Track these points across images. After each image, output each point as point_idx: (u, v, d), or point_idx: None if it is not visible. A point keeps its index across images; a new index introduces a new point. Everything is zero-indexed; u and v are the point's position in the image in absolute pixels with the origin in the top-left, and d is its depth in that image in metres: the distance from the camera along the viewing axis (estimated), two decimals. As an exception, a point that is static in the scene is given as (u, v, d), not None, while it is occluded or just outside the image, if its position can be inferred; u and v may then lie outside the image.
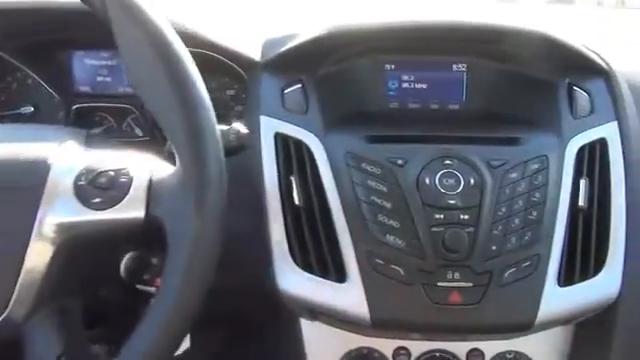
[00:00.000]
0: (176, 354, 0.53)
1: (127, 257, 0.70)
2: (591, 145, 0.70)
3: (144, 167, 0.54)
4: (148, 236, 0.51)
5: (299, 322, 0.73)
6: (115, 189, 0.52)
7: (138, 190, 0.52)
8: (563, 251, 0.66)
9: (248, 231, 0.68)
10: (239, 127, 0.62)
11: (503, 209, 0.66)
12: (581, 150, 0.70)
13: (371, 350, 0.73)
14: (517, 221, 0.65)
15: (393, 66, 0.79)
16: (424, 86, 0.79)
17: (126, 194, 0.52)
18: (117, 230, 0.51)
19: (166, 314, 0.48)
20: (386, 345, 0.73)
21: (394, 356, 0.73)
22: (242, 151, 0.62)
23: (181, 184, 0.50)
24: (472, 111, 0.78)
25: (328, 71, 0.75)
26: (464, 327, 0.65)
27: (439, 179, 0.66)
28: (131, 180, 0.52)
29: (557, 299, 0.65)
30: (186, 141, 0.49)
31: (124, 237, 0.54)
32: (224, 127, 0.60)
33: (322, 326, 0.72)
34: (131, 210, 0.52)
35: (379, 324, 0.64)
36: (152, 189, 0.52)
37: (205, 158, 0.49)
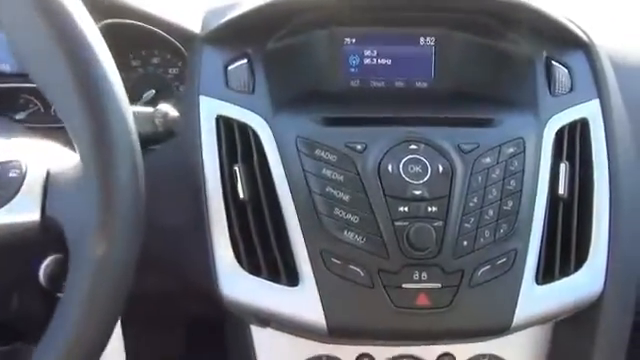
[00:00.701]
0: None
1: (47, 261, 0.61)
2: (571, 126, 0.63)
3: (40, 158, 0.44)
4: (48, 241, 0.42)
5: (249, 329, 0.65)
6: (3, 186, 0.42)
7: (32, 187, 0.43)
8: (542, 245, 0.59)
9: (187, 229, 0.60)
10: (167, 109, 0.53)
11: (475, 199, 0.58)
12: (560, 131, 0.63)
13: (330, 358, 0.65)
14: (491, 212, 0.58)
15: (354, 40, 0.70)
16: (388, 62, 0.71)
17: (17, 192, 0.42)
18: (8, 235, 0.42)
19: (58, 351, 0.39)
20: (347, 352, 0.65)
21: (356, 363, 0.66)
22: (171, 138, 0.53)
23: (84, 181, 0.41)
24: (442, 90, 0.70)
25: (278, 45, 0.66)
26: (433, 333, 0.58)
27: (403, 166, 0.58)
28: (23, 175, 0.43)
29: (535, 299, 0.58)
30: (85, 130, 0.39)
31: (19, 242, 0.44)
32: (146, 109, 0.51)
33: (274, 333, 0.64)
34: (24, 211, 0.42)
35: (337, 332, 0.57)
36: (49, 185, 0.43)
37: (111, 155, 0.39)
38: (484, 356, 0.66)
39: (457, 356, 0.65)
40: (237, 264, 0.57)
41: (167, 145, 0.62)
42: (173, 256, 0.63)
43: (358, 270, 0.56)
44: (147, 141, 0.53)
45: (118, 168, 0.39)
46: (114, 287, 0.40)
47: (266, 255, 0.58)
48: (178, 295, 0.71)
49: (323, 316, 0.56)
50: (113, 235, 0.39)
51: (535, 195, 0.59)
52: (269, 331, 0.65)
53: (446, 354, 0.65)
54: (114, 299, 0.41)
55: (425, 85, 0.71)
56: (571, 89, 0.65)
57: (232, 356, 0.72)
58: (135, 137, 0.41)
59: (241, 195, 0.58)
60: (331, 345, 0.65)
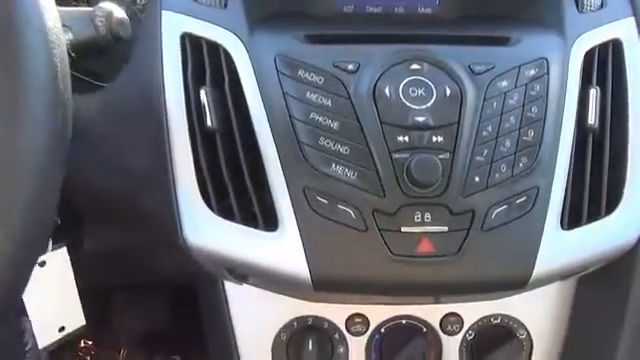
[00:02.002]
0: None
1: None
2: (602, 47, 0.54)
3: None
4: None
5: (222, 286, 0.56)
6: None
7: None
8: (568, 183, 0.50)
9: (150, 170, 0.51)
10: (110, 8, 0.43)
11: (489, 128, 0.49)
12: (589, 53, 0.53)
13: (318, 319, 0.56)
14: (508, 143, 0.49)
15: None
16: None
17: None
18: None
19: None
20: (337, 312, 0.56)
21: (348, 326, 0.57)
22: (118, 44, 0.43)
23: None
24: (448, 15, 0.60)
25: None
26: (437, 286, 0.48)
27: (403, 89, 0.49)
28: None
29: (560, 246, 0.48)
30: None
31: None
32: (82, 9, 0.41)
33: (252, 291, 0.56)
34: None
35: (323, 285, 0.47)
36: None
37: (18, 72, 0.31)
38: (496, 317, 0.57)
39: (464, 317, 0.57)
40: (205, 206, 0.48)
41: (125, 79, 0.53)
42: (137, 204, 0.54)
43: (348, 210, 0.47)
44: (88, 47, 0.43)
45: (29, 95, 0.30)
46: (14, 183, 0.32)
47: (239, 195, 0.48)
48: (145, 250, 0.62)
49: (306, 266, 0.47)
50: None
51: (560, 124, 0.50)
52: (246, 289, 0.56)
53: (452, 314, 0.57)
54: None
55: (429, 11, 0.61)
56: (601, 5, 0.56)
57: (206, 320, 0.63)
58: (60, 44, 0.32)
59: (209, 123, 0.48)
60: (318, 304, 0.56)
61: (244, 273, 0.50)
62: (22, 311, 0.57)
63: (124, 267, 0.69)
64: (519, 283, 0.49)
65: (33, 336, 0.56)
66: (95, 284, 0.70)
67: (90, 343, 1.54)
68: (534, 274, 0.48)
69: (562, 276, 0.52)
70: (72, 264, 0.60)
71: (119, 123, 0.54)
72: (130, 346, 1.53)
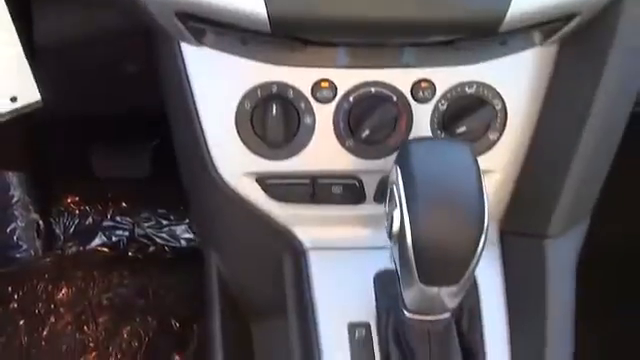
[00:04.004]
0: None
1: None
2: None
3: None
4: None
5: (178, 47, 0.53)
6: None
7: None
8: None
9: None
10: None
11: None
12: None
13: (283, 86, 0.53)
14: None
15: None
16: None
17: None
18: None
19: None
20: (303, 78, 0.53)
21: (314, 92, 0.54)
22: None
23: None
24: None
25: None
26: (403, 24, 0.45)
27: None
28: None
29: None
30: None
31: None
32: None
33: (212, 57, 0.52)
34: None
35: (281, 23, 0.44)
36: None
37: None
38: (470, 85, 0.54)
39: (437, 84, 0.54)
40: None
41: None
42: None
43: None
44: None
45: None
46: None
47: None
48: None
49: (262, 1, 0.43)
50: None
51: None
52: (205, 55, 0.52)
53: (423, 80, 0.54)
54: None
55: None
56: None
57: (165, 88, 0.59)
58: None
59: None
60: (282, 70, 0.53)
61: (198, 14, 0.46)
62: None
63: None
64: (493, 23, 0.45)
65: None
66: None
67: (77, 199, 1.56)
68: (509, 13, 0.45)
69: (539, 21, 0.48)
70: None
71: None
72: (116, 202, 1.55)
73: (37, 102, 0.55)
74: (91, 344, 1.26)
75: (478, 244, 0.40)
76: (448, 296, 0.43)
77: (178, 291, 1.39)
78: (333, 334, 0.53)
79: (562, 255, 0.54)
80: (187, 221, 1.56)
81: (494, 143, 0.55)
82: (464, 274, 0.42)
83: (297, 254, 0.57)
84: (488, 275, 0.55)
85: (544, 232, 0.54)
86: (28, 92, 0.54)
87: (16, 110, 0.54)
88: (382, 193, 0.51)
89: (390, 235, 0.43)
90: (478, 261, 0.41)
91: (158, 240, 1.55)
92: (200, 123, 0.55)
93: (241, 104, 0.53)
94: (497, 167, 0.56)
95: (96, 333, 1.28)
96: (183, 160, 0.61)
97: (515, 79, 0.54)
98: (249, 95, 0.53)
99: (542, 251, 0.54)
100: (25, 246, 1.48)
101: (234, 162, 0.55)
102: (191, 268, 1.44)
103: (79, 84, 0.77)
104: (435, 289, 0.42)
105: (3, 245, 1.48)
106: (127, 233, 1.54)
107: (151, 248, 1.53)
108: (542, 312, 0.52)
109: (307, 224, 0.57)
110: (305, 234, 0.57)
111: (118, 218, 1.55)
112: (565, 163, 0.53)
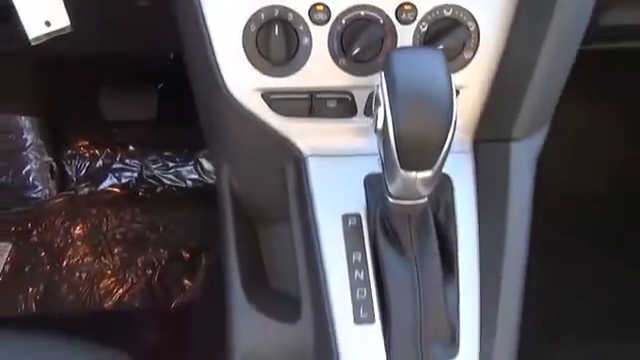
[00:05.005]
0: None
1: None
2: None
3: None
4: None
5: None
6: None
7: None
8: None
9: None
10: None
11: None
12: None
13: (283, 9, 0.60)
14: None
15: None
16: None
17: None
18: None
19: None
20: (301, 2, 0.60)
21: (311, 15, 0.61)
22: None
23: None
24: None
25: None
26: None
27: None
28: None
29: None
30: None
31: None
32: None
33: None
34: None
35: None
36: None
37: None
38: (448, 8, 0.62)
39: (418, 6, 0.61)
40: None
41: None
42: None
43: None
44: None
45: None
46: None
47: None
48: None
49: None
50: None
51: None
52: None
53: (406, 4, 0.61)
54: None
55: None
56: None
57: (180, 26, 0.67)
58: None
59: None
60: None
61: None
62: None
63: None
64: None
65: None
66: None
67: (87, 143, 1.64)
68: None
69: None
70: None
71: None
72: (124, 145, 1.63)
73: (67, 27, 0.63)
74: (108, 271, 1.37)
75: (447, 133, 0.49)
76: (423, 182, 0.52)
77: (187, 226, 1.49)
78: (329, 224, 0.62)
79: (524, 155, 0.63)
80: (192, 163, 1.65)
81: (469, 61, 0.63)
82: (436, 160, 0.50)
83: (298, 161, 0.66)
84: (462, 177, 0.64)
85: (509, 136, 0.62)
86: (60, 17, 0.61)
87: (50, 34, 0.62)
88: (371, 107, 0.59)
89: (376, 130, 0.52)
90: (448, 149, 0.50)
91: (165, 181, 1.64)
92: (212, 46, 0.62)
93: (247, 27, 0.61)
94: (471, 83, 0.64)
95: (112, 262, 1.39)
96: (197, 83, 0.69)
97: (488, 3, 0.62)
98: (254, 18, 0.60)
99: (507, 152, 0.62)
100: (40, 186, 1.58)
101: (242, 80, 0.63)
102: (198, 205, 1.55)
103: (92, 17, 0.83)
104: (413, 174, 0.51)
105: (20, 185, 1.57)
106: (136, 175, 1.64)
107: (159, 188, 1.63)
108: (505, 202, 0.60)
109: (306, 135, 0.66)
110: (304, 144, 0.66)
111: (127, 160, 1.64)
112: (527, 76, 0.61)
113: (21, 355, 0.67)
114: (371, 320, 0.55)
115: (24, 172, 1.55)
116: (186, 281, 1.34)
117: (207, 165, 1.62)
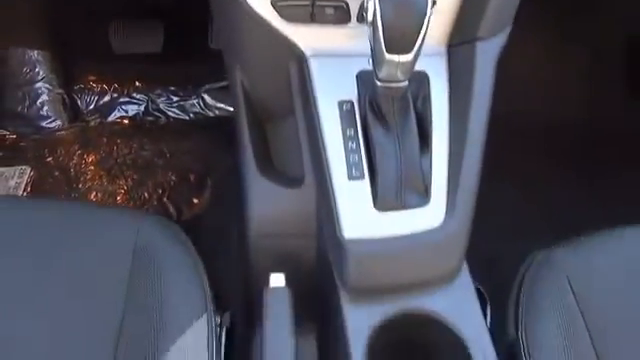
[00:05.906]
0: None
1: None
2: None
3: None
4: None
5: None
6: None
7: None
8: None
9: None
10: None
11: None
12: None
13: None
14: None
15: None
16: None
17: None
18: None
19: None
20: None
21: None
22: None
23: None
24: None
25: None
26: None
27: None
28: None
29: None
30: None
31: None
32: None
33: None
34: None
35: None
36: None
37: None
38: None
39: None
40: None
41: None
42: None
43: None
44: None
45: None
46: None
47: None
48: None
49: None
50: None
51: None
52: None
53: None
54: None
55: None
56: None
57: None
58: None
59: None
60: None
61: None
62: None
63: None
64: None
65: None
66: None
67: (96, 77, 1.74)
68: None
69: None
70: None
71: None
72: (131, 80, 1.74)
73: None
74: (122, 191, 1.50)
75: (423, 22, 0.62)
76: (404, 66, 0.65)
77: (192, 153, 1.62)
78: (327, 109, 0.75)
79: (488, 52, 0.75)
80: (195, 97, 1.76)
81: None
82: (414, 45, 0.63)
83: (300, 60, 0.78)
84: (436, 73, 0.77)
85: (475, 35, 0.75)
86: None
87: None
88: (363, 15, 0.72)
89: (366, 22, 0.64)
90: (424, 36, 0.63)
91: (170, 114, 1.76)
92: None
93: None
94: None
95: (126, 183, 1.52)
96: None
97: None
98: None
99: (474, 50, 0.75)
100: (53, 117, 1.69)
101: None
102: (201, 136, 1.67)
103: None
104: (396, 57, 0.64)
105: (35, 116, 1.68)
106: (142, 108, 1.75)
107: (164, 120, 1.75)
108: (470, 91, 0.73)
109: (308, 38, 0.78)
110: (306, 46, 0.78)
111: (134, 94, 1.75)
112: None
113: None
114: (361, 177, 0.69)
115: (38, 103, 1.66)
116: (195, 200, 1.48)
117: (209, 99, 1.74)
